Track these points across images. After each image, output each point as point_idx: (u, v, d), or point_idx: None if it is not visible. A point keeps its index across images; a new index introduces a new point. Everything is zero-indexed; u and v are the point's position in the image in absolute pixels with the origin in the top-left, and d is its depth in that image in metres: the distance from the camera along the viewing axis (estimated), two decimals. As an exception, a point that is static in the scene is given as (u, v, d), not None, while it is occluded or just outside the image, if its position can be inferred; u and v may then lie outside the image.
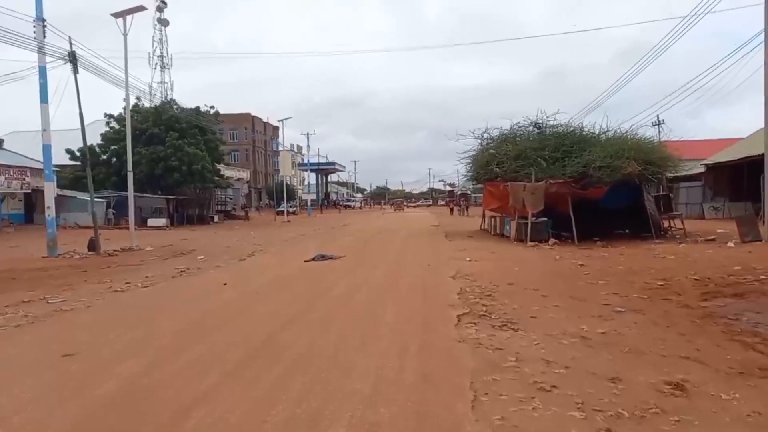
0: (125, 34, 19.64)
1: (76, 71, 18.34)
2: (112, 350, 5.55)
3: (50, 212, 18.08)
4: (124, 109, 46.12)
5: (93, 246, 18.83)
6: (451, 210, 61.60)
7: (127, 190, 40.23)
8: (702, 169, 33.05)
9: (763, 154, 26.54)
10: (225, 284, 9.86)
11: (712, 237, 18.15)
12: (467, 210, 56.01)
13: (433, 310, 7.21)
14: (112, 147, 43.72)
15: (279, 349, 5.37)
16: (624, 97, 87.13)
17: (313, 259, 13.62)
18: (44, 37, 17.62)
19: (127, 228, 34.97)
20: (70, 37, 18.52)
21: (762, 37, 16.87)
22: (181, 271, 12.51)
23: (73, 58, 18.45)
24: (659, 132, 29.66)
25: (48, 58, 17.98)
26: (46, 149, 18.14)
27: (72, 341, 5.93)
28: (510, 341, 5.63)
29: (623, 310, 7.51)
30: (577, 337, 5.85)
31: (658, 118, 37.04)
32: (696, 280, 9.91)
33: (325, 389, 4.18)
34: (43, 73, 17.80)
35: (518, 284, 9.62)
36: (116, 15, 19.62)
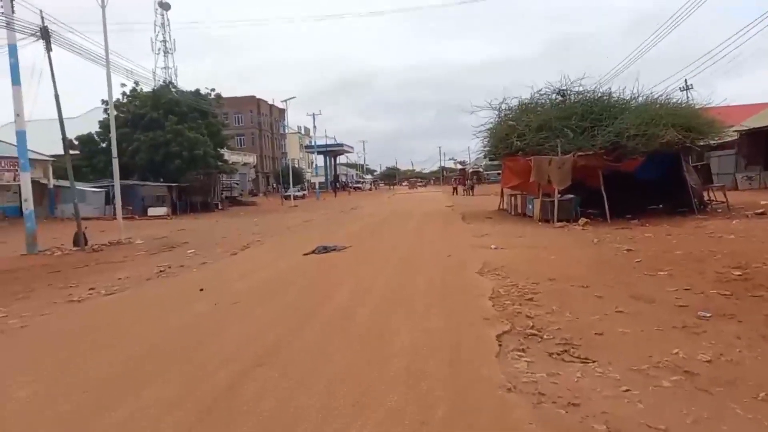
0: (103, 6, 17.78)
1: (49, 48, 16.51)
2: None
3: (28, 206, 16.40)
4: (123, 93, 45.03)
5: (78, 241, 17.21)
6: (455, 190, 56.18)
7: (128, 178, 39.31)
8: (734, 137, 30.76)
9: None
10: (201, 290, 8.10)
11: (761, 211, 16.15)
12: (472, 190, 53.12)
13: (462, 329, 5.37)
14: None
15: (235, 417, 3.58)
16: (646, 65, 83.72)
17: (314, 252, 11.82)
18: (13, 11, 15.88)
19: (130, 218, 33.75)
20: (41, 11, 16.70)
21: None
22: (161, 271, 10.81)
23: (45, 34, 16.62)
24: (687, 97, 27.32)
25: (18, 36, 16.27)
26: (20, 136, 16.43)
27: None
28: (583, 385, 3.82)
29: (709, 315, 5.70)
30: (677, 371, 4.04)
31: (686, 82, 34.49)
32: (778, 266, 8.04)
33: None
34: (13, 51, 16.06)
35: (561, 279, 7.79)
36: (92, -15, 17.74)
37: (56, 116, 17.03)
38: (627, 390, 3.69)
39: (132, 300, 8.01)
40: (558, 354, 4.51)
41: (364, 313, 6.12)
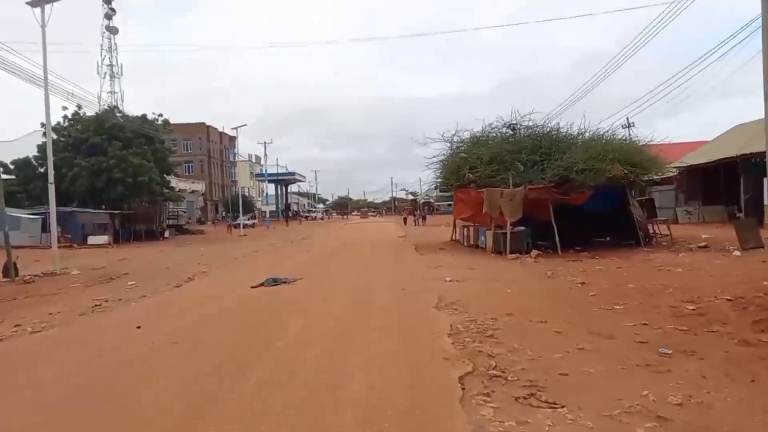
0: (43, 26, 16.99)
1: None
2: None
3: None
4: (64, 117, 43.23)
5: (7, 272, 16.02)
6: (405, 220, 56.78)
7: (67, 205, 37.43)
8: (673, 173, 32.10)
9: (737, 157, 25.81)
10: (138, 327, 7.47)
11: (704, 244, 16.70)
12: (423, 220, 53.51)
13: (421, 370, 5.04)
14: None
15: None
16: (591, 102, 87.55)
17: (263, 284, 11.29)
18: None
19: (68, 246, 31.94)
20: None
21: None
22: (97, 305, 10.04)
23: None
24: (629, 134, 28.38)
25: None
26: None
27: None
28: (555, 435, 3.56)
29: (670, 352, 5.60)
30: (650, 417, 3.84)
31: (627, 120, 35.94)
32: (729, 300, 8.11)
33: None
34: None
35: (519, 314, 7.61)
36: (32, 4, 16.97)
37: None
38: (601, 440, 3.45)
39: (59, 339, 7.29)
40: (525, 398, 4.24)
41: (313, 356, 5.65)
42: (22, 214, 33.50)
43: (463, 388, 4.47)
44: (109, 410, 4.38)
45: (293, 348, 6.04)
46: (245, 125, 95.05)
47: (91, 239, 33.87)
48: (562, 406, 4.04)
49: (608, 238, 19.68)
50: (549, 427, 3.66)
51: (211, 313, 8.70)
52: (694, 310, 7.63)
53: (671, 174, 31.63)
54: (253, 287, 11.17)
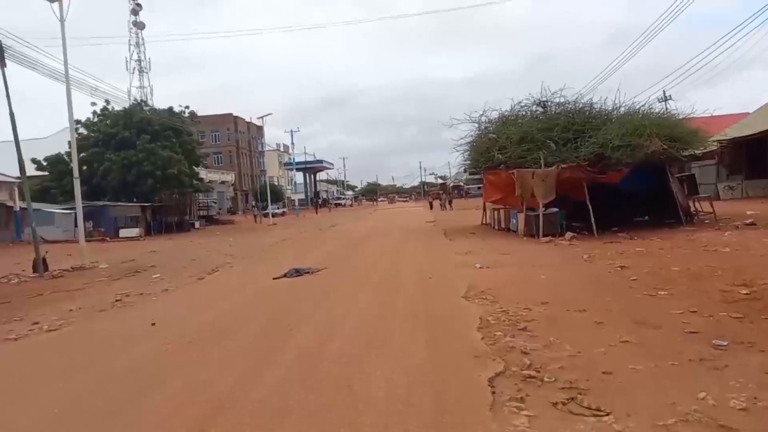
0: (62, 21, 16.89)
1: (2, 64, 15.56)
2: None
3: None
4: (93, 113, 43.76)
5: (37, 267, 16.12)
6: (431, 205, 55.65)
7: (100, 199, 37.98)
8: (713, 147, 30.65)
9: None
10: (153, 324, 7.20)
11: (750, 221, 15.72)
12: (450, 204, 52.45)
13: (448, 371, 4.57)
14: (81, 155, 40.60)
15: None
16: (624, 77, 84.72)
17: (285, 275, 10.95)
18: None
19: (101, 240, 32.43)
20: (-5, 25, 15.79)
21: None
22: (118, 300, 9.86)
23: (-1, 49, 15.67)
24: (666, 108, 27.10)
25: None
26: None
27: None
28: (601, 451, 3.07)
29: (726, 343, 5.01)
30: (712, 426, 3.31)
31: (664, 93, 34.42)
32: (786, 283, 7.43)
33: None
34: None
35: (554, 303, 7.07)
36: (51, -1, 16.86)
37: (27, 137, 16.04)
38: (658, 458, 2.94)
39: (73, 338, 7.06)
40: (564, 403, 3.74)
41: (333, 354, 5.25)
42: (56, 209, 34.05)
43: (494, 392, 3.99)
44: (111, 416, 4.06)
45: (309, 349, 5.63)
46: (270, 114, 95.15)
47: (123, 232, 34.28)
48: (608, 414, 3.54)
49: (647, 218, 18.79)
50: (594, 443, 3.17)
51: (231, 307, 8.40)
52: (747, 294, 6.98)
53: (712, 148, 30.29)
54: (275, 278, 10.85)
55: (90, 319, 8.37)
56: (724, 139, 27.22)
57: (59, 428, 3.93)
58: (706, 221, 17.66)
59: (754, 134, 26.46)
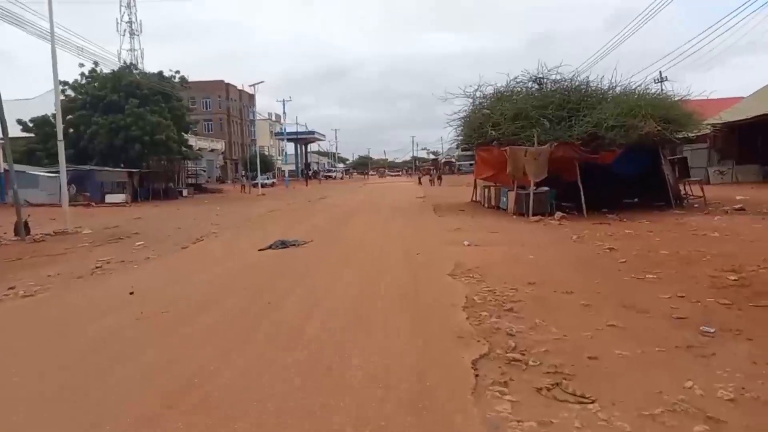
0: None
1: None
2: None
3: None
4: (81, 74, 42.74)
5: (18, 230, 15.81)
6: (419, 180, 56.19)
7: (86, 163, 37.31)
8: (707, 130, 30.54)
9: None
10: (131, 293, 7.01)
11: (739, 206, 15.70)
12: (439, 180, 52.40)
13: (430, 352, 4.44)
14: (68, 117, 39.77)
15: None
16: (621, 57, 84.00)
17: (270, 247, 10.77)
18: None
19: (87, 205, 31.94)
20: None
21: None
22: (97, 267, 9.65)
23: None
24: (662, 89, 26.87)
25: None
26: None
27: None
28: (585, 440, 2.96)
29: (713, 330, 4.92)
30: (699, 417, 3.20)
31: (660, 74, 34.13)
32: (776, 270, 7.37)
33: None
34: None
35: (542, 283, 6.96)
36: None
37: (12, 97, 15.53)
38: (642, 449, 2.83)
39: (47, 306, 6.86)
40: (548, 389, 3.62)
41: (313, 331, 5.11)
42: (41, 172, 33.45)
43: (477, 375, 3.87)
44: (77, 391, 3.90)
45: (289, 325, 5.47)
46: (263, 82, 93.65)
47: (109, 198, 33.83)
48: (593, 401, 3.42)
49: (637, 200, 18.73)
50: (577, 431, 3.06)
51: (211, 278, 8.21)
52: (736, 280, 6.90)
53: (706, 132, 30.19)
54: (260, 250, 10.67)
55: (67, 286, 8.16)
56: (717, 123, 27.10)
57: (20, 404, 3.75)
58: (696, 205, 17.63)
59: (748, 119, 26.36)
